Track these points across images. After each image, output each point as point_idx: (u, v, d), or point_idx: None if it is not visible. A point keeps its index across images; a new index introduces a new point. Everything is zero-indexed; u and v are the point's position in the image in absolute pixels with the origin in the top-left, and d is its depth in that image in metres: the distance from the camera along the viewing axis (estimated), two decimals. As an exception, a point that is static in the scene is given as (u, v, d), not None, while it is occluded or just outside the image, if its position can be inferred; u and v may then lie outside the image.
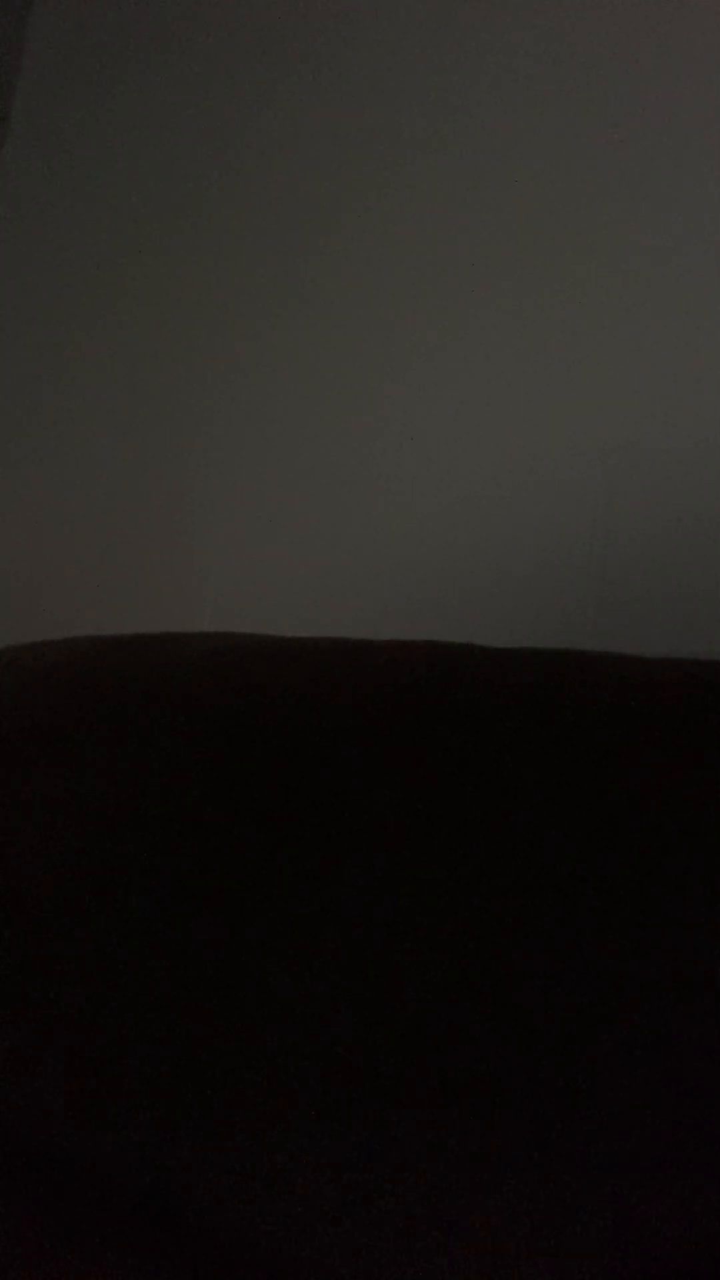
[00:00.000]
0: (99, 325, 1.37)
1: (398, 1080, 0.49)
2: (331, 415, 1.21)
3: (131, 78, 1.39)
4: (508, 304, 1.13)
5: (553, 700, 0.54)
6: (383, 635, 0.63)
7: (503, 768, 0.52)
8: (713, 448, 1.01)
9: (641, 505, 1.03)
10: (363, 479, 1.17)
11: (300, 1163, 0.50)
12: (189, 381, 1.30)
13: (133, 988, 0.55)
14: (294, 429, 1.23)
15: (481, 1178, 0.47)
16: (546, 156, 1.13)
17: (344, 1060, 0.50)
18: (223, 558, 1.23)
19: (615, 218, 1.09)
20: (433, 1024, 0.49)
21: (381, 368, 1.19)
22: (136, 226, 1.36)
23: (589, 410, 1.08)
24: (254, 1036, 0.52)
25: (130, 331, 1.35)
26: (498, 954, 0.49)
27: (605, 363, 1.08)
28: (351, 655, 0.61)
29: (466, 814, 0.52)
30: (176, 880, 0.56)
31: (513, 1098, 0.47)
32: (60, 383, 1.38)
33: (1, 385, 1.41)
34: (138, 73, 1.39)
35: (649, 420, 1.05)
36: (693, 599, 0.99)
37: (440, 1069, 0.49)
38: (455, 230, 1.17)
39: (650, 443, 1.04)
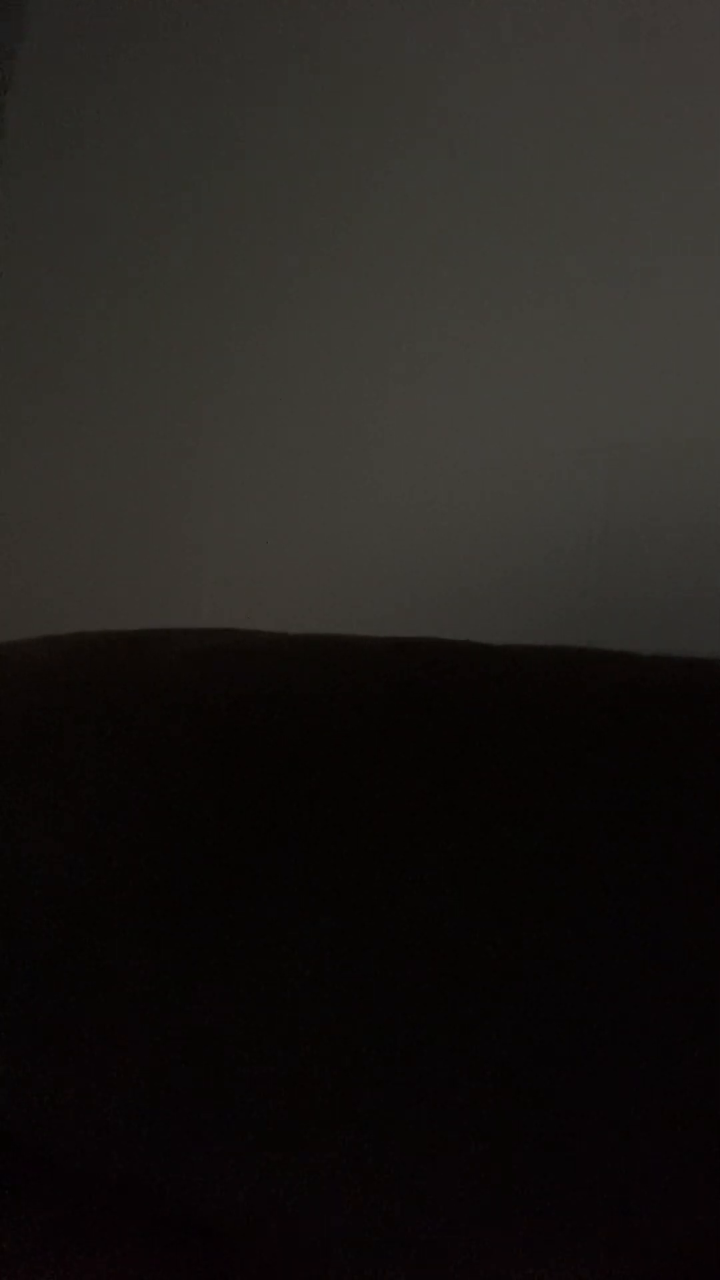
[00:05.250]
0: (98, 323, 1.37)
1: (398, 1082, 0.49)
2: (330, 413, 1.21)
3: (130, 78, 1.39)
4: (507, 302, 1.13)
5: (552, 698, 0.54)
6: (382, 633, 0.62)
7: (502, 765, 0.52)
8: (715, 447, 1.01)
9: (642, 504, 1.03)
10: (362, 477, 1.17)
11: (299, 1165, 0.50)
12: (188, 379, 1.30)
13: (131, 990, 0.54)
14: (293, 426, 1.23)
15: (480, 1179, 0.47)
16: (546, 154, 1.13)
17: (344, 1062, 0.50)
18: (221, 555, 1.23)
19: (615, 214, 1.09)
20: (432, 1026, 0.49)
21: (381, 365, 1.19)
22: (136, 225, 1.36)
23: (589, 409, 1.08)
24: (253, 1040, 0.52)
25: (130, 330, 1.35)
26: (498, 956, 0.49)
27: (606, 361, 1.08)
28: (350, 652, 0.61)
29: (465, 812, 0.52)
30: (173, 881, 0.55)
31: (512, 1101, 0.47)
32: (59, 380, 1.38)
33: (1, 384, 1.41)
34: (137, 73, 1.39)
35: (650, 419, 1.04)
36: (693, 599, 0.99)
37: (440, 1070, 0.48)
38: (453, 227, 1.17)
39: (651, 441, 1.04)
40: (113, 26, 1.41)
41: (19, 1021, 0.57)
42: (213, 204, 1.33)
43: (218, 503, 1.25)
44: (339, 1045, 0.50)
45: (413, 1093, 0.48)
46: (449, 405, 1.14)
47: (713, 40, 1.06)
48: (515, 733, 0.53)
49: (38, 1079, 0.56)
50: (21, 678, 0.67)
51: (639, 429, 1.05)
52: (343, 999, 0.50)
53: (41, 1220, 0.56)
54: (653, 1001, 0.46)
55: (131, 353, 1.35)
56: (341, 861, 0.52)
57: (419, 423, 1.15)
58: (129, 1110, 0.54)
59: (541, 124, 1.14)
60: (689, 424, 1.03)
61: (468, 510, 1.11)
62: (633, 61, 1.10)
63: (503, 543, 1.08)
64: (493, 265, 1.15)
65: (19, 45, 1.44)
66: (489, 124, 1.17)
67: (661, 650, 0.62)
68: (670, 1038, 0.46)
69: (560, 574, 1.05)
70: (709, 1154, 0.45)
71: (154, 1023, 0.54)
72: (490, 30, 1.17)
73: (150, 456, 1.31)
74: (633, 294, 1.08)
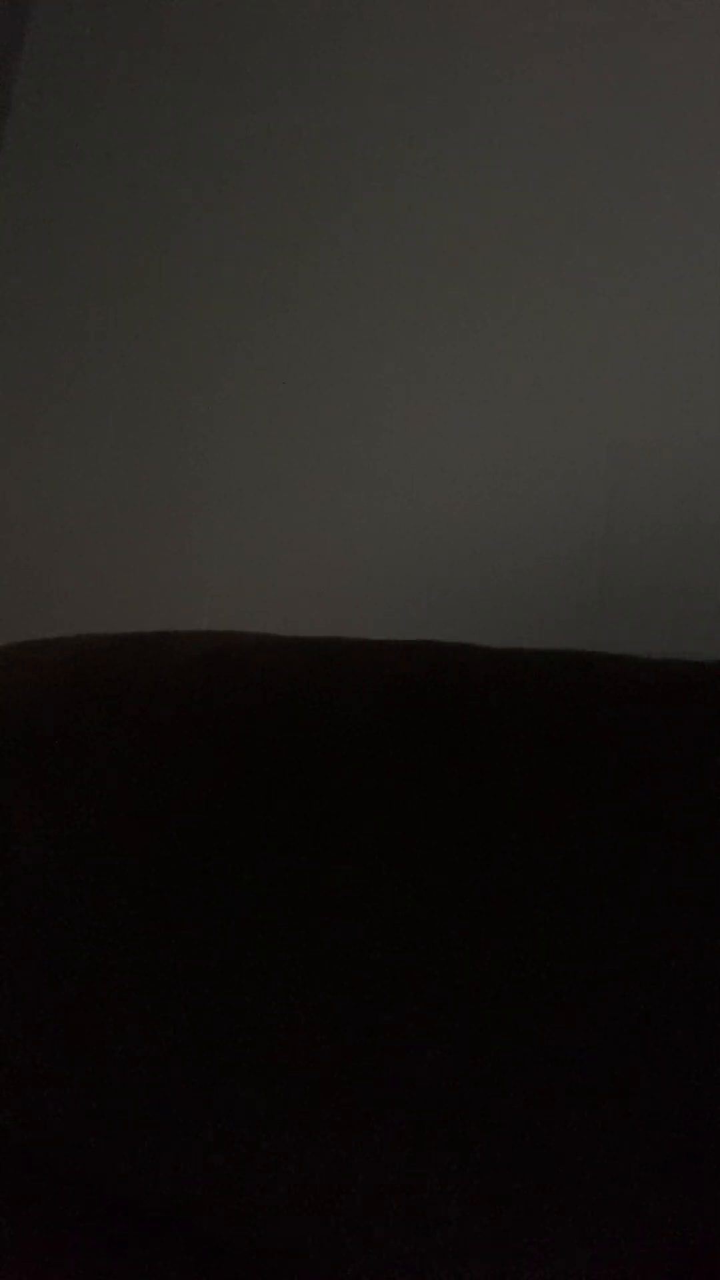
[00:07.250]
0: (100, 325, 1.37)
1: (399, 1085, 0.49)
2: (332, 414, 1.21)
3: (130, 85, 1.39)
4: (510, 302, 1.13)
5: (553, 701, 0.54)
6: (385, 635, 0.62)
7: (503, 769, 0.52)
8: (715, 447, 1.01)
9: (643, 506, 1.03)
10: (363, 479, 1.17)
11: (299, 1168, 0.50)
12: (190, 381, 1.30)
13: (129, 993, 0.55)
14: (294, 427, 1.23)
15: (477, 1182, 0.47)
16: (548, 154, 1.13)
17: (344, 1065, 0.50)
18: (223, 557, 1.23)
19: (617, 214, 1.09)
20: (433, 1029, 0.49)
21: (382, 366, 1.19)
22: (139, 230, 1.36)
23: (591, 410, 1.08)
24: (252, 1042, 0.52)
25: (131, 332, 1.35)
26: (494, 958, 0.49)
27: (608, 361, 1.08)
28: (351, 655, 0.61)
29: (466, 815, 0.52)
30: (175, 882, 0.55)
31: (509, 1102, 0.47)
32: (61, 382, 1.38)
33: (3, 386, 1.41)
34: (136, 80, 1.39)
35: (651, 420, 1.04)
36: (693, 599, 0.99)
37: (441, 1073, 0.48)
38: (457, 227, 1.17)
39: (652, 442, 1.04)
40: (114, 27, 1.41)
41: (19, 1022, 0.57)
42: (214, 204, 1.32)
43: (221, 506, 1.25)
44: (339, 1048, 0.50)
45: (414, 1095, 0.48)
46: (450, 407, 1.14)
47: (706, 44, 1.06)
48: (518, 737, 0.53)
49: (37, 1079, 0.56)
50: (24, 680, 0.67)
51: (639, 429, 1.05)
52: (342, 1001, 0.50)
53: (41, 1223, 0.56)
54: (654, 1007, 0.47)
55: (134, 356, 1.35)
56: (343, 864, 0.52)
57: (420, 425, 1.15)
58: (128, 1110, 0.54)
59: (544, 121, 1.14)
60: (689, 424, 1.03)
61: (469, 512, 1.11)
62: (635, 65, 1.10)
63: (504, 544, 1.08)
64: (493, 267, 1.15)
65: (19, 56, 1.44)
66: (493, 121, 1.17)
67: (662, 650, 0.62)
68: (671, 1043, 0.46)
69: (561, 574, 1.05)
70: (709, 1156, 0.45)
71: (153, 1025, 0.54)
72: (493, 30, 1.17)
73: (154, 461, 1.31)
74: (633, 295, 1.08)
